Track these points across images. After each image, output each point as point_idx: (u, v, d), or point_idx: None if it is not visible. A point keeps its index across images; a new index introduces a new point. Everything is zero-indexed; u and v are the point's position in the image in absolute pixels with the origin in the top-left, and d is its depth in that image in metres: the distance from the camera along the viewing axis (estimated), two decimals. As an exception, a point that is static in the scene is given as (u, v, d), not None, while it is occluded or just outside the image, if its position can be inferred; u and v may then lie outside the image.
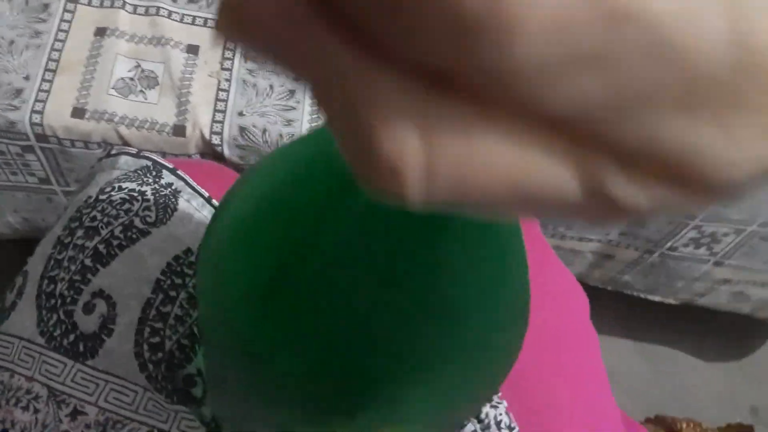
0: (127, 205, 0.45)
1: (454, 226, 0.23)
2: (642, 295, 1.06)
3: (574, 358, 0.51)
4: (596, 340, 0.54)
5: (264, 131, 0.70)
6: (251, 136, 0.70)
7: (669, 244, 0.89)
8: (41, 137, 0.70)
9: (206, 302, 0.28)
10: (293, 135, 0.70)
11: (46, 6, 0.73)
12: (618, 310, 1.13)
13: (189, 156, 0.71)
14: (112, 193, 0.46)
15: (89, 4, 0.74)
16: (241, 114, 0.70)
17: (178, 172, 0.48)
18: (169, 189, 0.47)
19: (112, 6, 0.74)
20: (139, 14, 0.74)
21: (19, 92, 0.68)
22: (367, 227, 0.23)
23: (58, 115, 0.68)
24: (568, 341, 0.52)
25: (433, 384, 0.26)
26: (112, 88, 0.70)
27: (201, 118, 0.69)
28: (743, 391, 1.22)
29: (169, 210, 0.46)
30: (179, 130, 0.69)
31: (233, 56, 0.73)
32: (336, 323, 0.24)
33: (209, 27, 0.74)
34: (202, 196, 0.48)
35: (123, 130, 0.69)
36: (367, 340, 0.24)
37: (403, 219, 0.22)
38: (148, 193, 0.46)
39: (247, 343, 0.26)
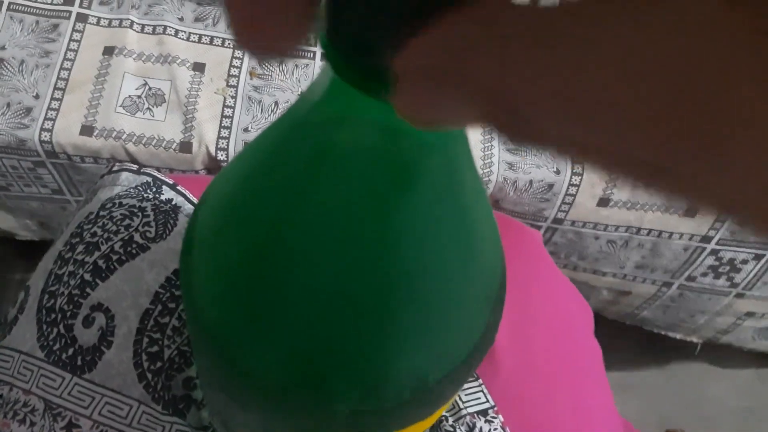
0: (127, 221, 0.46)
1: (419, 206, 0.23)
2: (663, 332, 1.04)
3: (575, 374, 0.51)
4: (599, 353, 0.54)
5: (269, 147, 0.70)
6: (256, 152, 0.70)
7: (687, 274, 0.88)
8: (51, 154, 0.71)
9: (185, 300, 0.28)
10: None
11: (55, 26, 0.75)
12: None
13: (196, 172, 0.72)
14: (113, 209, 0.47)
15: (98, 23, 0.75)
16: (246, 130, 0.71)
17: (178, 187, 0.49)
18: (169, 205, 0.48)
19: (120, 26, 0.75)
20: (147, 33, 0.75)
21: (29, 111, 0.70)
22: (328, 217, 0.23)
23: (67, 133, 0.69)
24: (570, 356, 0.51)
25: (407, 362, 0.26)
26: (120, 106, 0.71)
27: (207, 135, 0.70)
28: (763, 404, 1.20)
29: (168, 225, 0.46)
30: (186, 147, 0.70)
31: (239, 73, 0.74)
32: (303, 313, 0.24)
33: (215, 45, 0.75)
34: None
35: (131, 147, 0.69)
36: (336, 327, 0.25)
37: (375, 191, 0.22)
38: (148, 208, 0.47)
39: (217, 342, 0.27)
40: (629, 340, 1.16)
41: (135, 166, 0.51)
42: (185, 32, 0.75)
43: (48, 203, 0.81)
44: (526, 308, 0.51)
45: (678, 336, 1.06)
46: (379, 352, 0.26)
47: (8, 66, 0.72)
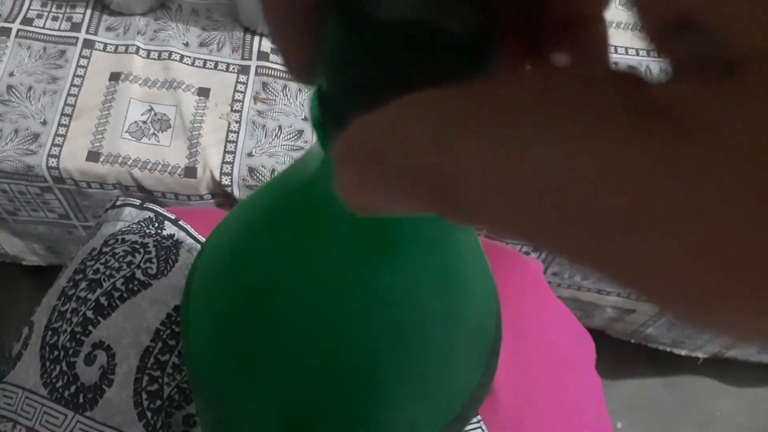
0: (129, 258, 0.46)
1: (407, 268, 0.23)
2: (668, 349, 1.04)
3: (576, 409, 0.51)
4: (600, 386, 0.54)
5: (273, 171, 0.71)
6: (260, 176, 0.71)
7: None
8: (58, 180, 0.72)
9: (183, 348, 0.29)
10: (301, 175, 0.71)
11: (62, 52, 0.76)
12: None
13: (201, 197, 0.73)
14: (116, 245, 0.47)
15: (104, 50, 0.76)
16: (250, 155, 0.72)
17: (180, 222, 0.50)
18: (171, 240, 0.48)
19: (126, 51, 0.76)
20: (152, 59, 0.76)
21: (36, 137, 0.71)
22: (318, 280, 0.24)
23: (73, 159, 0.70)
24: (571, 391, 0.52)
25: (400, 419, 0.27)
26: (126, 132, 0.72)
27: (211, 160, 0.71)
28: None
29: (170, 261, 0.47)
30: (190, 172, 0.71)
31: (243, 98, 0.74)
32: (294, 371, 0.25)
33: (220, 70, 0.76)
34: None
35: (136, 172, 0.70)
36: (326, 387, 0.25)
37: (360, 257, 0.23)
38: (150, 245, 0.47)
39: (211, 393, 0.28)
40: (635, 359, 1.16)
41: (138, 201, 0.52)
42: (190, 57, 0.76)
43: (55, 227, 0.82)
44: (526, 341, 0.51)
45: (683, 352, 1.06)
46: (370, 409, 0.27)
47: (16, 92, 0.73)
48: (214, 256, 0.29)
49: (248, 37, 0.78)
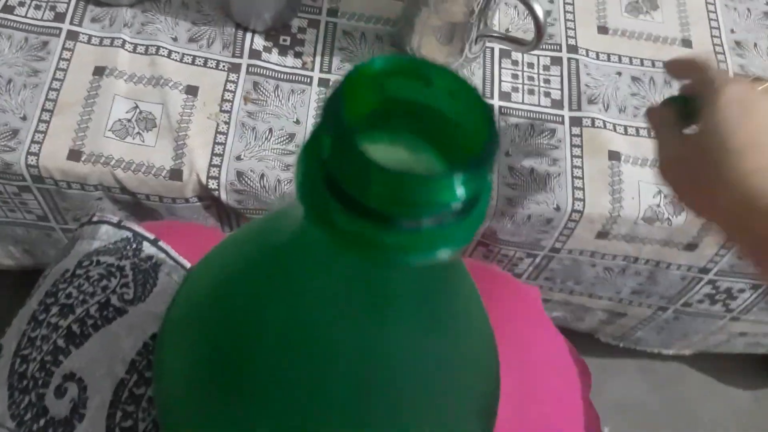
0: (104, 282, 0.44)
1: (398, 331, 0.23)
2: (656, 350, 1.03)
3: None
4: (598, 420, 0.53)
5: (262, 176, 0.69)
6: (249, 181, 0.68)
7: (683, 300, 0.86)
8: (37, 179, 0.69)
9: (154, 390, 0.29)
10: (291, 180, 0.69)
11: (45, 44, 0.72)
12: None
13: (187, 200, 0.70)
14: (90, 267, 0.45)
15: (89, 42, 0.73)
16: (238, 158, 0.69)
17: (160, 243, 0.47)
18: (149, 263, 0.46)
19: (111, 45, 0.73)
20: (139, 53, 0.73)
21: (15, 133, 0.68)
22: (299, 340, 0.23)
23: (54, 158, 0.67)
24: (570, 425, 0.50)
25: None
26: (109, 130, 0.69)
27: (198, 162, 0.68)
28: (761, 427, 1.19)
29: (148, 286, 0.45)
30: (176, 174, 0.68)
31: (233, 98, 0.72)
32: (273, 420, 0.24)
33: (209, 67, 0.73)
34: (183, 267, 0.47)
35: (119, 173, 0.68)
36: None
37: (346, 311, 0.22)
38: (127, 268, 0.45)
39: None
40: (623, 362, 1.15)
41: (115, 219, 0.49)
42: (179, 53, 0.73)
43: (33, 229, 0.79)
44: (525, 374, 0.50)
45: (671, 351, 1.05)
46: None
47: (-5, 85, 0.70)
48: (198, 296, 0.28)
49: (240, 33, 0.75)
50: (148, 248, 0.47)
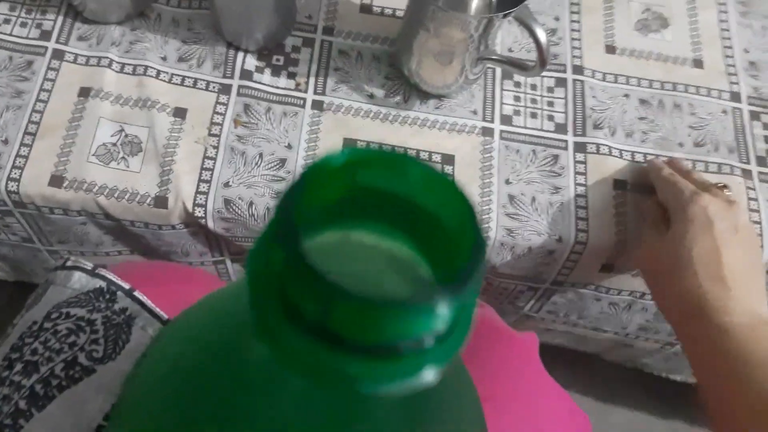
0: (72, 338, 0.41)
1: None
2: (663, 375, 1.00)
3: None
4: None
5: (251, 204, 0.66)
6: (237, 209, 0.66)
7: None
8: (19, 204, 0.67)
9: None
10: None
11: (30, 63, 0.70)
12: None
13: (173, 227, 0.68)
14: (59, 321, 0.42)
15: (75, 61, 0.70)
16: (227, 185, 0.66)
17: (135, 293, 0.44)
18: (123, 315, 0.43)
19: (98, 64, 0.70)
20: (127, 73, 0.70)
21: (-4, 157, 0.65)
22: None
23: (35, 184, 0.65)
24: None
25: None
26: (93, 155, 0.66)
27: (184, 189, 0.66)
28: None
29: (120, 342, 0.42)
30: (161, 202, 0.65)
31: (222, 121, 0.69)
32: None
33: (199, 88, 0.70)
34: (160, 319, 0.44)
35: (102, 200, 0.65)
36: None
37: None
38: (98, 322, 0.42)
39: None
40: (629, 385, 1.12)
41: (90, 265, 0.46)
42: (167, 73, 0.70)
43: (18, 250, 0.77)
44: (525, 427, 0.47)
45: (679, 378, 1.02)
46: None
47: (-23, 106, 0.67)
48: (156, 368, 0.26)
49: (231, 52, 0.72)
50: (122, 299, 0.44)
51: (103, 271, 0.46)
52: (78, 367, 0.40)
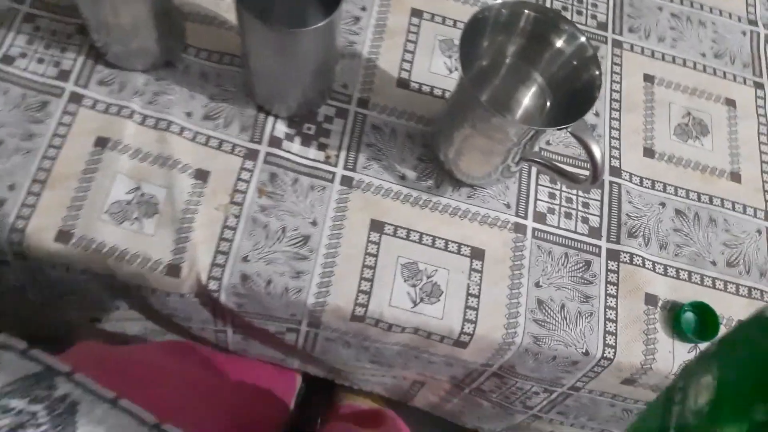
0: None
1: None
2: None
3: None
4: None
5: (269, 282, 0.62)
6: (254, 286, 0.62)
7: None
8: (19, 256, 0.62)
9: None
10: (300, 290, 0.62)
11: (44, 104, 0.65)
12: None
13: (182, 295, 0.63)
14: None
15: (93, 107, 0.66)
16: (245, 259, 0.62)
17: (75, 376, 0.40)
18: (65, 403, 0.39)
19: (118, 114, 0.66)
20: (148, 126, 0.66)
21: (1, 204, 0.60)
22: None
23: (40, 238, 0.60)
24: None
25: None
26: (105, 212, 0.62)
27: (200, 259, 0.61)
28: None
29: None
30: (173, 270, 0.61)
31: (246, 188, 0.65)
32: None
33: (224, 150, 0.66)
34: (105, 400, 0.40)
35: (111, 262, 0.61)
36: None
37: None
38: (41, 414, 0.38)
39: None
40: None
41: (22, 345, 0.41)
42: (192, 131, 0.66)
43: (8, 294, 0.72)
44: None
45: None
46: None
47: (-16, 144, 0.62)
48: None
49: (261, 116, 0.68)
50: (62, 386, 0.39)
51: (37, 354, 0.41)
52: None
